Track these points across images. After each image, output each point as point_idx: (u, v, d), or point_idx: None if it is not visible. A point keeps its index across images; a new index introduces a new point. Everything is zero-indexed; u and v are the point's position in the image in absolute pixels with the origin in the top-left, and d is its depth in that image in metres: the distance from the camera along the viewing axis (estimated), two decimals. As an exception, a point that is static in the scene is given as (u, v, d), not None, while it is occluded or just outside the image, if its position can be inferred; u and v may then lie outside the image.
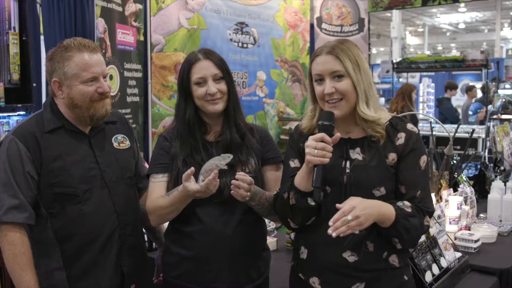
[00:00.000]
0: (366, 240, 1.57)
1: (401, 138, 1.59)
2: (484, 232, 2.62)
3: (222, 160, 1.65)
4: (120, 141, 1.96)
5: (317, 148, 1.48)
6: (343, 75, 1.55)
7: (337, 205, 1.45)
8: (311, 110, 1.68)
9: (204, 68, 1.80)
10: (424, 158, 1.60)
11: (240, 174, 1.65)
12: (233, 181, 1.65)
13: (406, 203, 1.55)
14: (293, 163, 1.70)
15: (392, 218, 1.51)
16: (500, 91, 7.76)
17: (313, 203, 1.56)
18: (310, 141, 1.51)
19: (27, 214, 1.73)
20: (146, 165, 2.08)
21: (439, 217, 2.49)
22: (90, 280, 1.82)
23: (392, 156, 1.58)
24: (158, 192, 1.81)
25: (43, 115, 1.84)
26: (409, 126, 1.62)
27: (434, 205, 1.81)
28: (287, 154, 1.74)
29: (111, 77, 4.08)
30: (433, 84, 11.53)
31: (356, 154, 1.60)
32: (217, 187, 1.64)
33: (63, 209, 1.78)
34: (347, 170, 1.58)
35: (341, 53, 1.55)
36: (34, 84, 3.03)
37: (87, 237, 1.81)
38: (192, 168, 1.64)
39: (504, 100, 6.05)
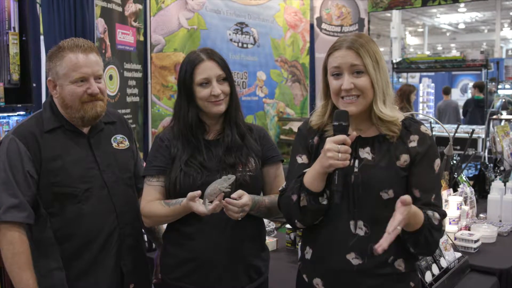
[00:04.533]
0: (372, 244, 1.49)
1: (414, 140, 1.54)
2: (484, 232, 2.62)
3: (224, 183, 1.66)
4: (120, 141, 1.96)
5: (341, 152, 1.44)
6: (362, 71, 1.50)
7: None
8: (322, 106, 1.63)
9: (208, 69, 1.79)
10: (438, 161, 1.56)
11: (228, 200, 1.65)
12: (222, 202, 1.65)
13: (436, 215, 1.50)
14: (301, 159, 1.65)
15: (418, 226, 1.46)
16: (500, 91, 7.77)
17: (324, 202, 1.53)
18: (332, 145, 1.45)
19: (27, 213, 1.73)
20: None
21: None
22: (89, 279, 1.82)
23: (405, 158, 1.53)
24: (153, 195, 1.81)
25: (43, 114, 1.84)
26: (423, 128, 1.57)
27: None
28: (294, 149, 1.69)
29: (110, 77, 4.09)
30: (433, 84, 11.54)
31: (366, 154, 1.55)
32: (221, 207, 1.65)
33: (62, 209, 1.78)
34: (355, 170, 1.54)
35: (362, 49, 1.50)
36: (34, 84, 3.03)
37: (87, 237, 1.81)
38: (199, 191, 1.65)
39: (504, 100, 6.05)
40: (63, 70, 1.76)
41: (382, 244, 1.31)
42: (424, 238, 1.48)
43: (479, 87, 9.08)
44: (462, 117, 9.12)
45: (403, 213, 1.33)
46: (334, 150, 1.44)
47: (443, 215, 1.55)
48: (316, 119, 1.64)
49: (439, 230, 1.51)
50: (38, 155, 1.76)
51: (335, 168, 1.46)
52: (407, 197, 1.34)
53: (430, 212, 1.50)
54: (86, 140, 1.86)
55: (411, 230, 1.47)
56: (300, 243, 2.34)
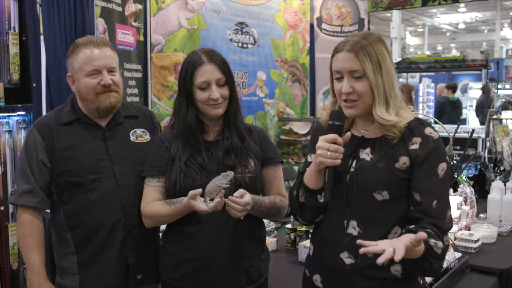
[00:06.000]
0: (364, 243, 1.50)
1: (416, 143, 1.50)
2: (484, 232, 2.62)
3: (223, 179, 1.67)
4: (139, 135, 2.00)
5: (330, 150, 1.45)
6: (362, 75, 1.48)
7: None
8: (331, 103, 1.63)
9: (208, 72, 1.78)
10: (443, 166, 1.50)
11: (231, 198, 1.66)
12: (226, 200, 1.65)
13: (440, 244, 1.43)
14: (310, 158, 1.66)
15: (416, 256, 1.39)
16: (500, 91, 7.76)
17: (322, 200, 1.55)
18: (322, 143, 1.46)
19: (39, 199, 1.87)
20: None
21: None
22: (96, 266, 1.90)
23: (404, 160, 1.50)
24: (153, 196, 1.82)
25: (63, 108, 1.96)
26: (428, 130, 1.52)
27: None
28: (308, 148, 1.73)
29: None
30: (433, 84, 11.55)
31: (365, 154, 1.55)
32: (222, 204, 1.66)
33: (72, 197, 1.87)
34: (351, 170, 1.54)
35: (362, 52, 1.47)
36: (34, 84, 3.03)
37: (93, 225, 1.88)
38: (200, 189, 1.66)
39: (504, 100, 6.04)
40: (78, 64, 1.85)
41: (368, 249, 1.28)
42: (421, 267, 1.44)
43: (452, 88, 9.17)
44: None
45: (406, 244, 1.27)
46: (324, 148, 1.46)
47: (446, 229, 1.49)
48: (325, 115, 1.64)
49: (441, 258, 1.45)
50: (51, 145, 1.88)
51: (326, 166, 1.47)
52: (422, 236, 1.29)
53: (432, 242, 1.42)
54: (101, 133, 1.93)
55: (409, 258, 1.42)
56: (300, 244, 2.36)
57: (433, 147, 1.50)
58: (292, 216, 1.72)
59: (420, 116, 1.62)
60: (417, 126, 1.53)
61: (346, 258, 1.54)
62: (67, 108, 1.95)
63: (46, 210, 1.99)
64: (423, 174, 1.49)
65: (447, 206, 1.52)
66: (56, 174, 1.87)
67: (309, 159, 1.68)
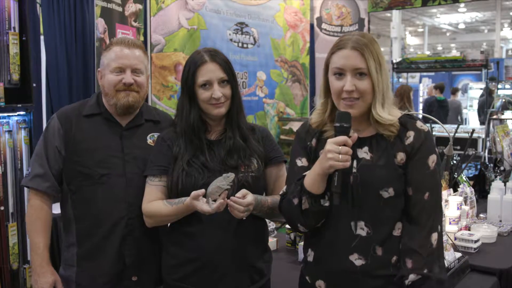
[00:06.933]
0: (375, 244, 1.52)
1: (410, 137, 1.53)
2: (484, 232, 2.62)
3: (224, 181, 1.66)
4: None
5: (342, 153, 1.44)
6: (365, 73, 1.49)
7: None
8: (322, 104, 1.62)
9: (210, 71, 1.78)
10: (433, 158, 1.53)
11: (233, 198, 1.65)
12: (228, 201, 1.65)
13: (412, 277, 1.50)
14: (300, 162, 1.64)
15: None
16: (500, 91, 7.77)
17: (327, 204, 1.52)
18: (332, 146, 1.44)
19: (49, 184, 1.92)
20: None
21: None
22: (93, 261, 1.91)
23: (401, 156, 1.52)
24: (154, 195, 1.81)
25: (88, 101, 2.02)
26: (419, 124, 1.56)
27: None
28: (294, 152, 1.68)
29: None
30: (433, 84, 11.55)
31: (364, 153, 1.55)
32: (225, 205, 1.65)
33: (80, 188, 1.91)
34: (354, 170, 1.53)
35: (367, 50, 1.49)
36: (34, 84, 3.03)
37: (96, 219, 1.90)
38: (203, 190, 1.65)
39: (504, 100, 6.05)
40: (107, 60, 1.92)
41: None
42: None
43: (439, 88, 9.28)
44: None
45: None
46: (335, 151, 1.44)
47: (436, 227, 1.52)
48: (316, 117, 1.63)
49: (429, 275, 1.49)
50: (69, 134, 1.93)
51: (335, 169, 1.46)
52: None
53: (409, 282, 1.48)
54: (119, 130, 1.95)
55: None
56: (300, 244, 2.35)
57: (424, 139, 1.54)
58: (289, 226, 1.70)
59: (420, 116, 1.64)
60: (408, 120, 1.57)
61: (356, 260, 1.53)
62: (92, 101, 2.00)
63: (54, 212, 2.01)
64: (415, 167, 1.53)
65: (438, 197, 1.57)
66: (69, 163, 1.92)
67: (299, 163, 1.65)
